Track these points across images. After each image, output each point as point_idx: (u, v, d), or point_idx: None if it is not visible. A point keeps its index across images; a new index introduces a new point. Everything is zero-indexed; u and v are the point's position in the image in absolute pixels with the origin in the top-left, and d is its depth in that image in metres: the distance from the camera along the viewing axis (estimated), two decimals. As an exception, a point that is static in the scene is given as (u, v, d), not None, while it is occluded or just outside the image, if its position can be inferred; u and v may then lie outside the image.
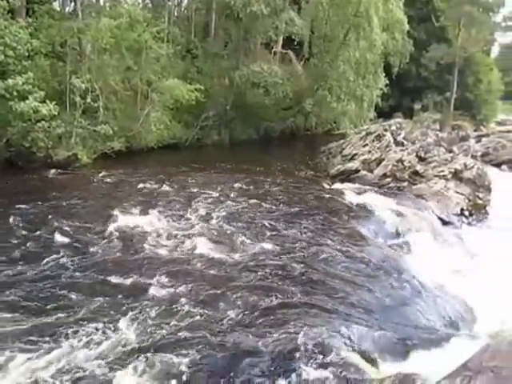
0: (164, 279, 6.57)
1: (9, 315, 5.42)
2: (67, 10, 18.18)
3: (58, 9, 18.26)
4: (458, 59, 28.69)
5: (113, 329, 5.27)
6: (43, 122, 12.52)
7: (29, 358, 4.69)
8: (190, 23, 24.05)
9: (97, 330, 5.23)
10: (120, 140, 15.63)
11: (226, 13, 23.53)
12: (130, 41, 16.09)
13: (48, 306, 5.70)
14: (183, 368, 4.61)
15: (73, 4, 17.67)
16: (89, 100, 14.25)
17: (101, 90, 14.96)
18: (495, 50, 46.69)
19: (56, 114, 12.50)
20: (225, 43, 24.28)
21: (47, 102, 12.17)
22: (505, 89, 38.90)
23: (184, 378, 4.51)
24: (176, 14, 24.97)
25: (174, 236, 8.28)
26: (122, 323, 5.38)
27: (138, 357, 4.78)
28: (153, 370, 4.58)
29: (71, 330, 5.19)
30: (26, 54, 12.69)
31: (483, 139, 22.39)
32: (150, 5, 23.91)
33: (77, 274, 6.65)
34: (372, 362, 4.86)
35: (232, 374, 4.59)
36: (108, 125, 14.52)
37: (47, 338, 5.03)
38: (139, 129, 16.51)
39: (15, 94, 11.74)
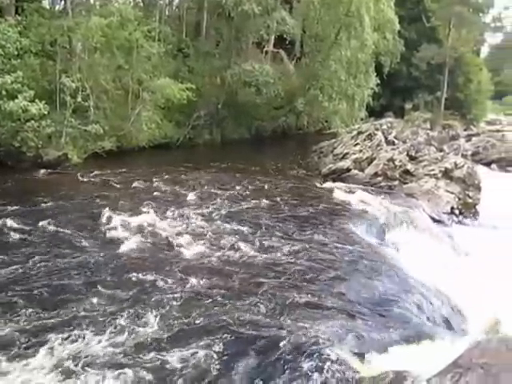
0: (181, 276, 6.66)
1: (31, 310, 5.51)
2: (57, 8, 18.01)
3: (48, 7, 18.08)
4: (449, 59, 28.91)
5: (136, 321, 5.38)
6: (33, 121, 12.41)
7: (53, 349, 4.80)
8: (181, 22, 23.97)
9: (119, 322, 5.33)
10: (111, 139, 15.54)
11: (217, 12, 23.50)
12: (121, 40, 16.00)
13: (67, 302, 5.78)
14: (203, 357, 4.78)
15: (63, 2, 17.52)
16: (79, 99, 14.15)
17: (91, 90, 14.87)
18: (485, 51, 47.14)
19: (46, 113, 12.40)
20: (216, 42, 24.25)
21: (37, 101, 12.07)
22: (494, 89, 39.29)
23: (203, 365, 4.68)
24: (167, 12, 24.86)
25: (179, 235, 8.32)
26: (145, 316, 5.49)
27: (163, 347, 4.91)
28: (177, 360, 4.71)
29: (93, 321, 5.32)
30: (15, 52, 12.57)
31: (473, 138, 22.63)
32: (140, 3, 23.77)
33: (90, 272, 6.71)
34: (362, 359, 4.88)
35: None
36: (99, 124, 14.43)
37: (70, 330, 5.13)
38: (130, 128, 16.43)
39: (4, 93, 11.64)
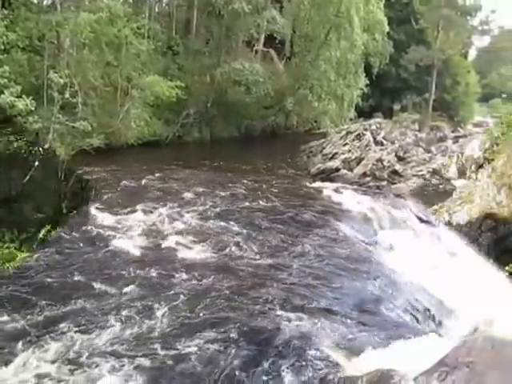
0: (184, 272, 6.79)
1: (45, 303, 5.66)
2: (45, 2, 17.78)
3: (36, 1, 17.82)
4: (437, 61, 29.14)
5: (146, 315, 5.52)
6: (19, 117, 12.22)
7: (67, 340, 4.95)
8: (171, 19, 23.85)
9: (130, 316, 5.47)
10: (99, 137, 15.30)
11: (207, 10, 23.41)
12: (110, 36, 15.83)
13: (76, 296, 5.91)
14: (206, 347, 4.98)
15: (51, -3, 17.31)
16: (67, 95, 13.93)
17: (80, 86, 14.68)
18: (472, 53, 47.56)
19: (33, 109, 12.16)
20: (206, 40, 24.15)
21: (24, 96, 11.86)
22: (481, 91, 39.71)
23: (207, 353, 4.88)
24: (157, 9, 24.73)
25: (178, 233, 8.40)
26: (156, 310, 5.64)
27: (173, 338, 5.10)
28: (186, 349, 4.91)
29: (104, 315, 5.49)
30: (2, 47, 12.38)
31: (460, 140, 22.85)
32: (130, 0, 23.58)
33: (94, 268, 6.78)
34: (351, 357, 4.91)
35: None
36: (87, 121, 14.19)
37: (82, 323, 5.30)
38: (119, 125, 16.28)
39: (-10, 87, 11.45)
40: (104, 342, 4.92)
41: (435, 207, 10.50)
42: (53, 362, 4.58)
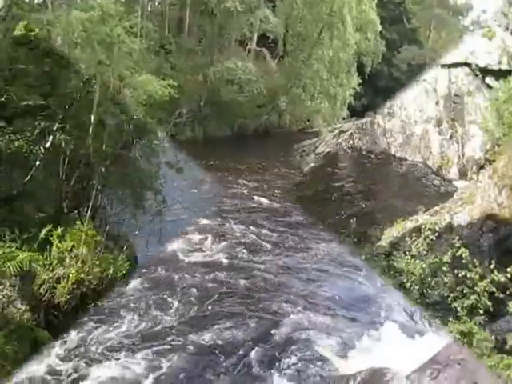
0: (187, 270, 7.05)
1: None
2: (36, 1, 17.62)
3: (27, 0, 17.69)
4: (429, 60, 29.29)
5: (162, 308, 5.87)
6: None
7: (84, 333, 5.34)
8: (163, 18, 23.76)
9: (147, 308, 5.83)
10: (91, 136, 15.28)
11: (200, 9, 23.37)
12: (102, 35, 15.65)
13: None
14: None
15: (42, -5, 17.16)
16: (59, 94, 13.88)
17: (71, 85, 14.60)
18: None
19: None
20: (199, 39, 24.10)
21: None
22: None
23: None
24: (149, 8, 24.61)
25: (183, 232, 8.70)
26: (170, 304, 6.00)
27: (184, 330, 5.50)
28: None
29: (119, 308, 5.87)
30: (-7, 45, 12.25)
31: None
32: (122, -2, 23.44)
33: None
34: (344, 356, 4.94)
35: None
36: (79, 120, 14.17)
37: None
38: (111, 124, 16.19)
39: (-20, 87, 11.33)
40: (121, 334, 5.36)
41: (436, 208, 10.52)
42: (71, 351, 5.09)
